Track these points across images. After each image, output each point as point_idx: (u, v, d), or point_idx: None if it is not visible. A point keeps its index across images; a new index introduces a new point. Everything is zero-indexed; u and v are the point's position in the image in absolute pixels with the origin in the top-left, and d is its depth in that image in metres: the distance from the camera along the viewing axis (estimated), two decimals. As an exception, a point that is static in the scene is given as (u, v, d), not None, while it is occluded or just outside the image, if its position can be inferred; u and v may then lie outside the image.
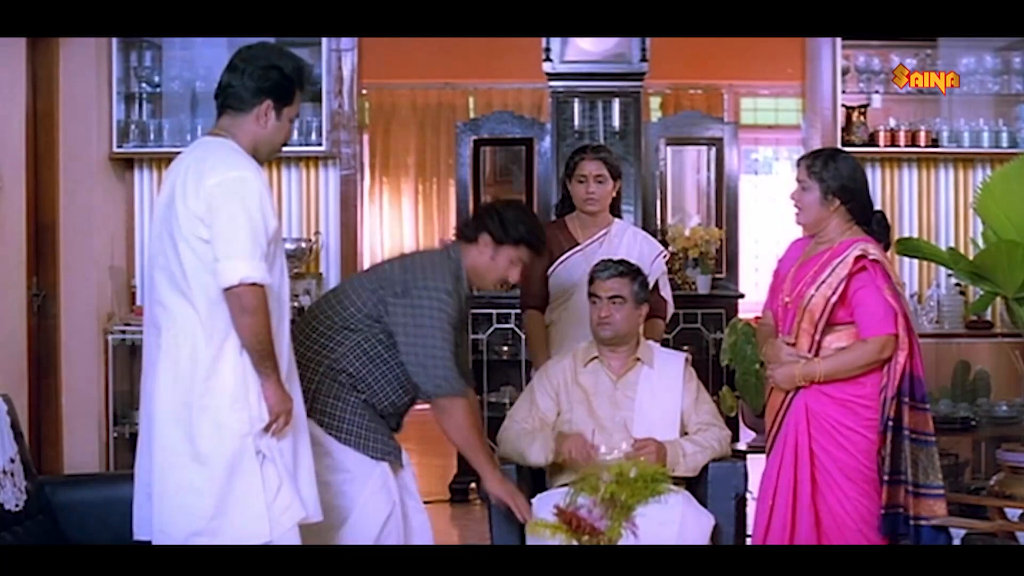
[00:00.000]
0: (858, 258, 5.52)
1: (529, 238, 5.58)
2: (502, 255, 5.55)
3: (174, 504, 4.61)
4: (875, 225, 5.72)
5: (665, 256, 6.82)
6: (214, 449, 4.57)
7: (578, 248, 6.66)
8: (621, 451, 5.70)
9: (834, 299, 5.50)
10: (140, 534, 4.80)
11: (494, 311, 8.70)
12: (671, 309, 6.77)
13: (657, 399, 5.91)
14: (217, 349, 4.59)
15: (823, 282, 5.53)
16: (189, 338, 4.61)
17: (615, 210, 6.92)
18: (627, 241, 6.72)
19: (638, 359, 5.97)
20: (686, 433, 5.92)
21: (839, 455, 5.53)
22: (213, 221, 4.55)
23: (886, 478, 5.54)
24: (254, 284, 4.52)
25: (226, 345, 4.59)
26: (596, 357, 5.98)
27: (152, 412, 4.73)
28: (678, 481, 5.72)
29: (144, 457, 4.81)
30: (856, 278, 5.52)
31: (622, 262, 6.08)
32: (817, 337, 5.53)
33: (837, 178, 5.60)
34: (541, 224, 5.76)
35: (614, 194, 6.78)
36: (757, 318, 7.05)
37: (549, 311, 6.69)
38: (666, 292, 6.72)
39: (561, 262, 6.66)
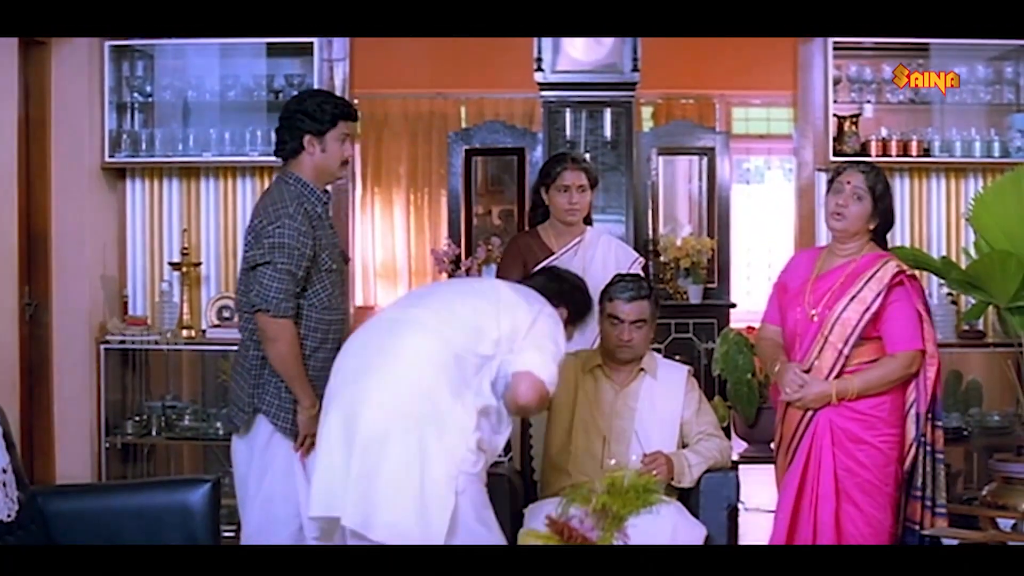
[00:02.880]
0: (896, 273, 5.54)
1: (342, 111, 5.69)
2: (329, 142, 5.65)
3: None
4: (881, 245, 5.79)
5: (641, 263, 6.81)
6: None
7: (553, 257, 6.66)
8: (629, 462, 5.70)
9: (871, 312, 5.51)
10: (337, 512, 4.89)
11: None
12: (650, 324, 6.74)
13: (658, 410, 5.91)
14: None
15: (855, 296, 5.55)
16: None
17: (586, 217, 6.93)
18: (602, 249, 6.73)
19: (642, 369, 5.98)
20: (684, 444, 5.92)
21: (858, 470, 5.55)
22: None
23: (918, 493, 5.64)
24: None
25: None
26: (599, 364, 5.99)
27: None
28: (670, 492, 5.72)
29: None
30: (892, 292, 5.54)
31: (639, 279, 6.08)
32: (846, 351, 5.54)
33: (885, 200, 5.68)
34: (339, 96, 5.89)
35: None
36: (750, 328, 7.07)
37: (527, 318, 6.68)
38: None
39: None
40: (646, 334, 5.99)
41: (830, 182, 5.75)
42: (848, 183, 5.65)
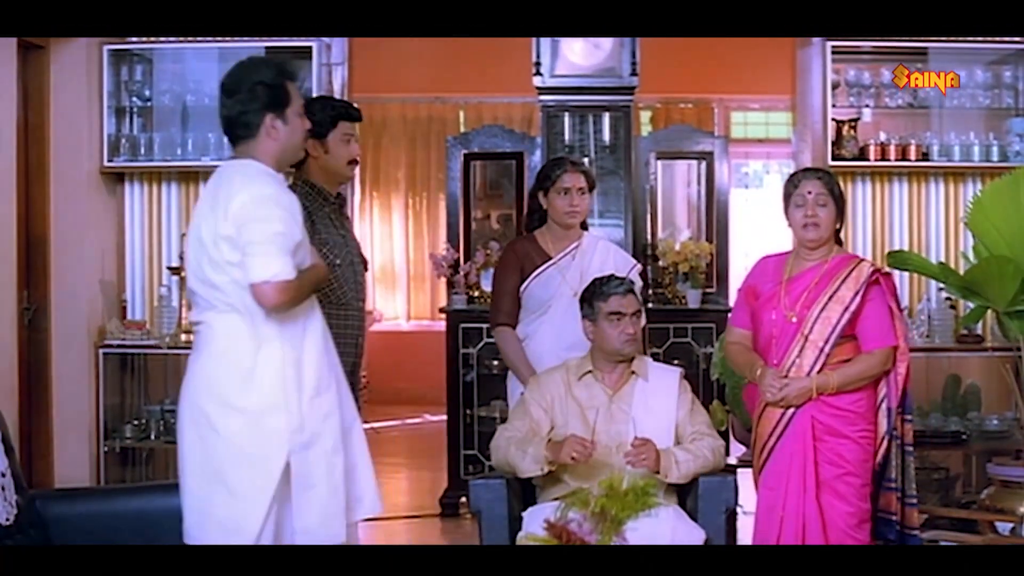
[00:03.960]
0: (872, 272, 5.65)
1: (340, 112, 5.80)
2: (331, 143, 5.75)
3: (210, 505, 4.74)
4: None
5: (639, 269, 6.80)
6: (252, 453, 4.69)
7: (552, 262, 6.64)
8: (621, 466, 5.69)
9: (850, 312, 5.59)
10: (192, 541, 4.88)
11: (484, 325, 8.67)
12: (643, 320, 6.73)
13: (652, 412, 5.90)
14: (254, 356, 4.71)
15: (832, 295, 5.62)
16: (229, 346, 4.74)
17: (582, 223, 6.91)
18: (600, 253, 6.71)
19: (633, 372, 5.97)
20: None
21: (840, 463, 5.61)
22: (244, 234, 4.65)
23: (891, 485, 5.74)
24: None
25: (262, 352, 4.72)
26: (590, 371, 5.98)
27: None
28: (669, 495, 5.72)
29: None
30: (869, 290, 5.62)
31: (618, 277, 6.08)
32: (827, 349, 5.59)
33: (843, 200, 5.78)
34: (341, 99, 6.05)
35: None
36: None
37: (524, 325, 6.65)
38: None
39: (535, 276, 6.63)
40: (641, 326, 6.01)
41: (787, 196, 5.78)
42: (810, 193, 5.71)
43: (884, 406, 5.69)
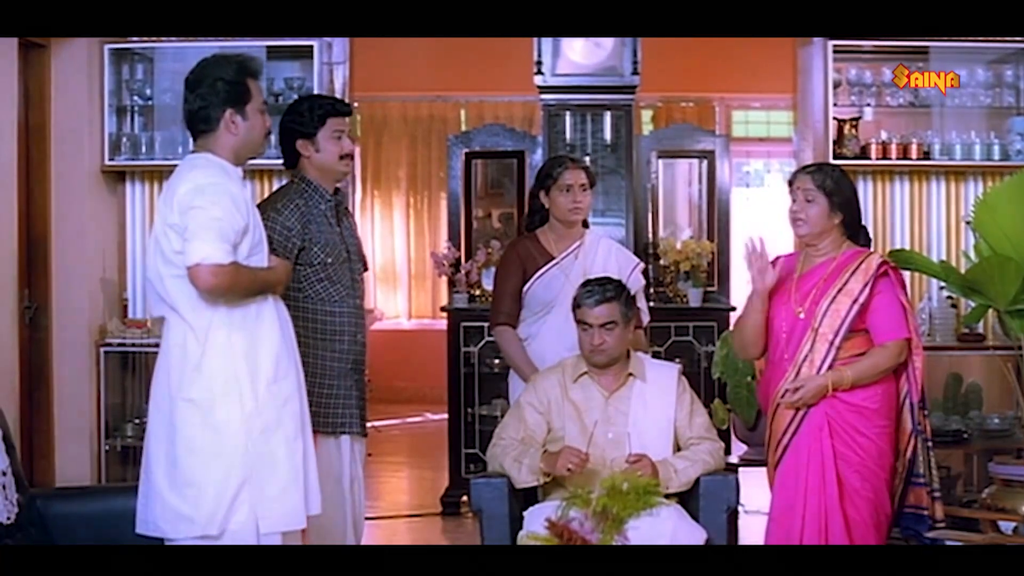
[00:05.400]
0: (880, 264, 5.69)
1: (328, 110, 5.81)
2: (321, 141, 5.77)
3: (168, 499, 4.76)
4: (862, 240, 5.83)
5: (641, 268, 6.79)
6: (207, 444, 4.72)
7: (555, 262, 6.61)
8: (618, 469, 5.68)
9: (859, 304, 5.61)
10: (142, 530, 4.91)
11: (485, 324, 8.65)
12: (647, 318, 6.72)
13: (651, 413, 5.87)
14: (202, 346, 4.75)
15: (841, 288, 5.66)
16: (180, 339, 4.79)
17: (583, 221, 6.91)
18: (602, 253, 6.69)
19: (630, 374, 5.94)
20: (678, 447, 5.89)
21: (854, 458, 5.63)
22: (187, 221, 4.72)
23: (921, 480, 5.81)
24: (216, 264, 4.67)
25: (209, 341, 4.75)
26: (586, 372, 5.95)
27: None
28: (670, 494, 5.70)
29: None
30: (878, 283, 5.65)
31: (606, 282, 6.01)
32: (837, 342, 5.62)
33: (841, 193, 5.74)
34: (328, 96, 6.11)
35: None
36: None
37: (526, 326, 6.62)
38: (642, 303, 6.61)
39: (538, 277, 6.61)
40: (619, 335, 5.91)
41: (790, 195, 5.81)
42: (799, 189, 5.77)
43: (907, 402, 5.75)
